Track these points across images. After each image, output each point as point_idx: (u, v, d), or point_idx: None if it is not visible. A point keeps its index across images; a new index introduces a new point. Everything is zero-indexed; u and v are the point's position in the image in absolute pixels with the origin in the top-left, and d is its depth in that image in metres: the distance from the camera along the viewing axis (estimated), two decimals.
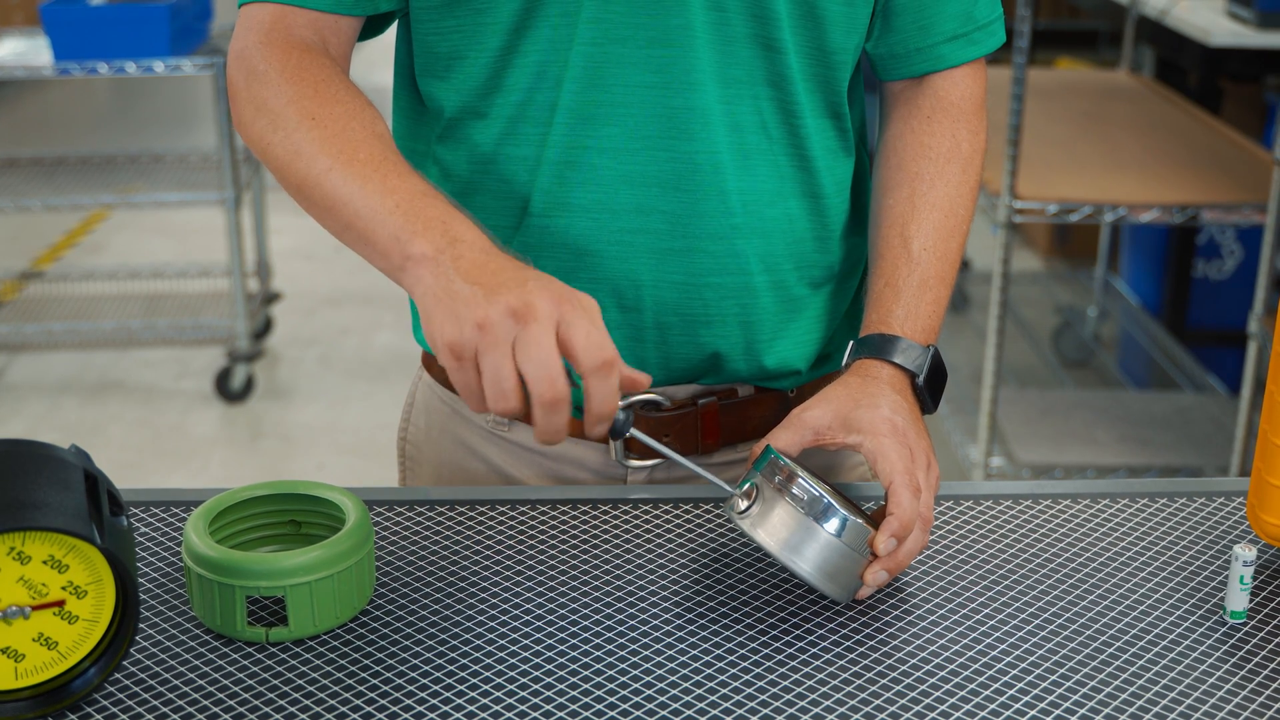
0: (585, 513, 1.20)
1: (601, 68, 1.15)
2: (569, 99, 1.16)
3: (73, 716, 0.94)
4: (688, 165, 1.17)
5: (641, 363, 1.23)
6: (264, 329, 4.36)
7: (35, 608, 0.93)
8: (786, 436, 1.11)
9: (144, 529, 1.17)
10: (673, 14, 1.14)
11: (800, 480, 1.05)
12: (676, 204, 1.18)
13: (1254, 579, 1.12)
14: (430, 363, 1.35)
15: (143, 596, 1.07)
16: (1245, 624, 1.06)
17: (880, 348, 1.17)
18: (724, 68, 1.16)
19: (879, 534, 1.05)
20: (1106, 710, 0.96)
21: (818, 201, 1.23)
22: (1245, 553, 1.04)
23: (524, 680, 0.98)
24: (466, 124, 1.21)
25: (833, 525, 1.04)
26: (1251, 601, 1.09)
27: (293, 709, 0.94)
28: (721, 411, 1.27)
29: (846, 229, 1.28)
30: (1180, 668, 1.01)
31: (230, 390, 3.98)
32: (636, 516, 1.20)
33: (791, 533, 1.04)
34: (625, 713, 0.95)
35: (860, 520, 1.05)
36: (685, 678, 0.98)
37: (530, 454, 1.29)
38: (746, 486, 1.06)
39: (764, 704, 0.96)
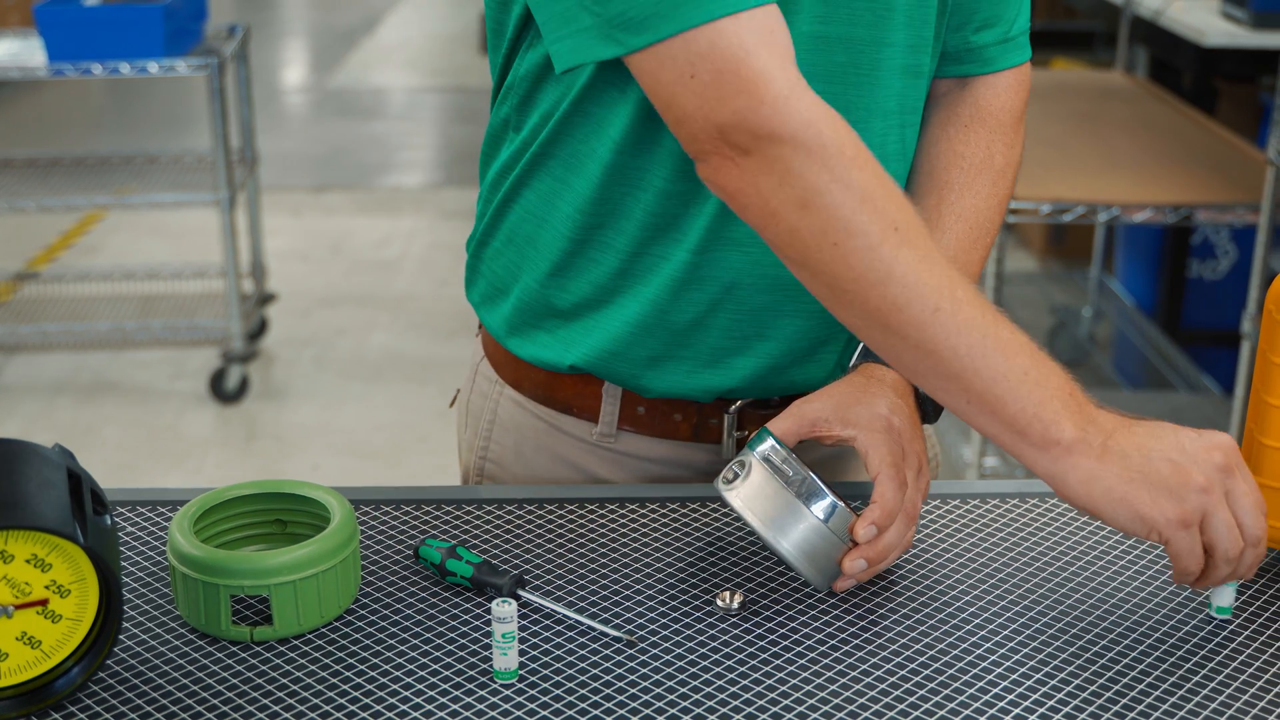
0: (572, 511, 1.20)
1: None
2: None
3: (56, 716, 0.94)
4: None
5: (768, 387, 1.23)
6: (259, 330, 4.35)
7: (18, 607, 0.93)
8: (784, 424, 1.11)
9: (130, 528, 1.16)
10: (863, 53, 1.12)
11: (790, 460, 1.05)
12: None
13: None
14: (518, 379, 1.27)
15: (128, 595, 1.07)
16: (1233, 621, 1.06)
17: None
18: (884, 100, 1.16)
19: (860, 521, 1.05)
20: (1094, 706, 0.95)
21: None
22: None
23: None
24: (642, 156, 1.14)
25: (817, 507, 1.05)
26: (1238, 599, 1.09)
27: (276, 708, 0.94)
28: None
29: None
30: (1168, 663, 1.00)
31: (225, 391, 3.98)
32: (629, 513, 1.20)
33: (775, 510, 1.05)
34: (609, 711, 0.94)
35: (845, 505, 1.06)
36: (669, 675, 0.98)
37: (636, 461, 1.27)
38: (736, 465, 1.07)
39: (757, 696, 0.96)
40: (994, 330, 1.00)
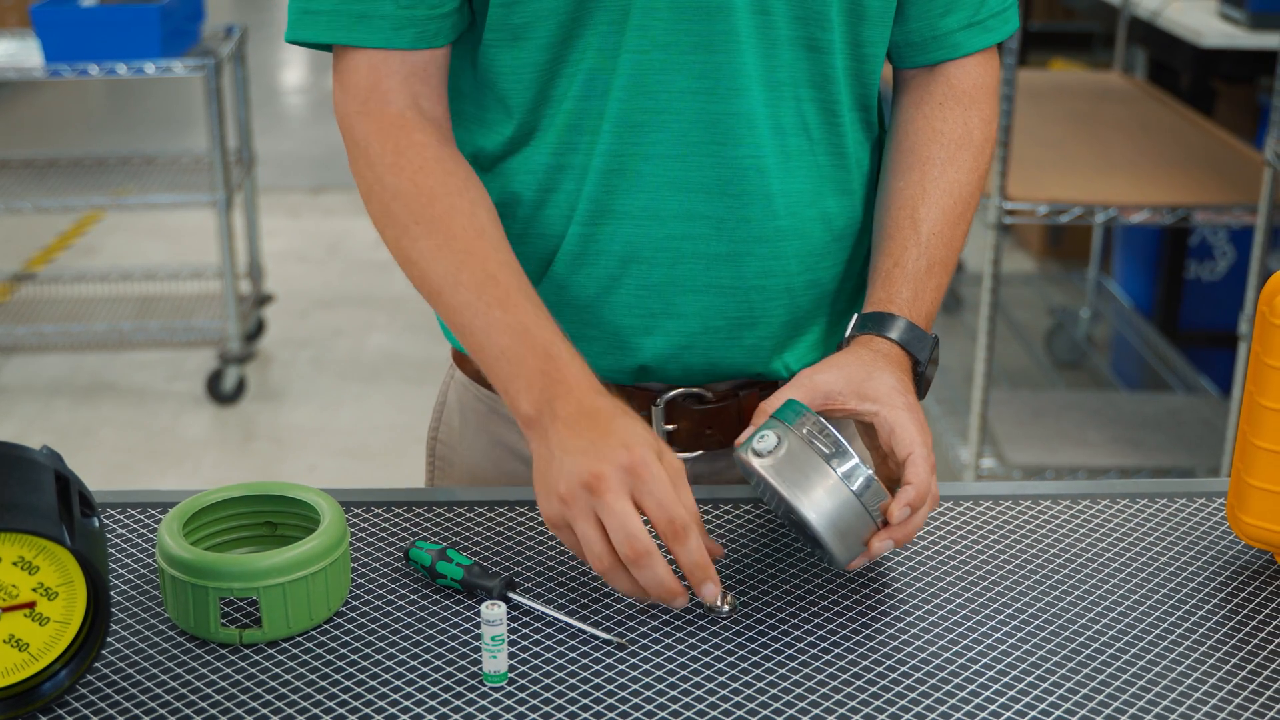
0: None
1: (648, 74, 1.14)
2: (616, 107, 1.15)
3: (44, 718, 0.93)
4: (734, 170, 1.17)
5: (687, 367, 1.23)
6: (256, 331, 4.35)
7: (5, 609, 0.92)
8: (794, 395, 1.10)
9: (121, 530, 1.16)
10: (717, 19, 1.13)
11: (830, 431, 1.04)
12: (722, 209, 1.18)
13: (1236, 579, 1.11)
14: (463, 361, 1.33)
15: (117, 598, 1.06)
16: (1224, 625, 1.05)
17: (887, 326, 1.17)
18: (768, 71, 1.16)
19: (895, 501, 1.04)
20: (1088, 708, 0.95)
21: (852, 198, 1.24)
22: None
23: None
24: (524, 139, 1.20)
25: (856, 482, 1.03)
26: (1232, 602, 1.08)
27: (265, 711, 0.94)
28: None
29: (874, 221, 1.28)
30: (1161, 666, 1.00)
31: (222, 392, 3.97)
32: None
33: (812, 482, 1.03)
34: (599, 715, 0.94)
35: (880, 484, 1.04)
36: (660, 679, 0.98)
37: None
38: (767, 433, 1.04)
39: (749, 699, 0.95)
40: (485, 312, 1.11)
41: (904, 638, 1.03)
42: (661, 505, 1.00)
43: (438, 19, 1.16)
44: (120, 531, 1.16)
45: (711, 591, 1.02)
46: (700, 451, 1.27)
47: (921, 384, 1.17)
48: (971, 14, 1.24)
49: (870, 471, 1.03)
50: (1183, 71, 3.89)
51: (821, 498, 1.03)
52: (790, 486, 1.03)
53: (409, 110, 1.17)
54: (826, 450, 1.03)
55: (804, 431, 1.04)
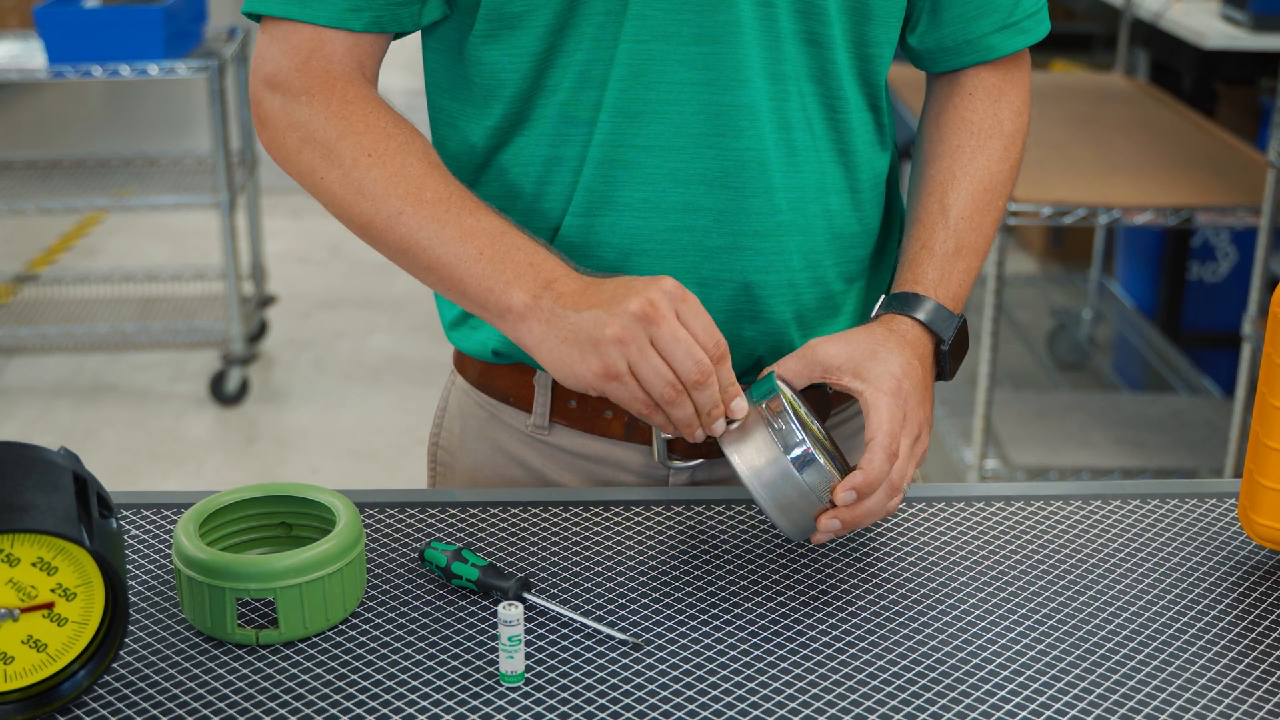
0: (578, 515, 1.20)
1: (647, 65, 1.14)
2: (614, 97, 1.15)
3: (62, 719, 0.94)
4: (735, 163, 1.17)
5: None
6: (259, 332, 4.35)
7: (24, 610, 0.92)
8: (795, 367, 1.12)
9: (135, 531, 1.16)
10: (720, 10, 1.13)
11: (785, 413, 1.07)
12: (724, 202, 1.18)
13: (1248, 580, 1.12)
14: (464, 366, 1.33)
15: (133, 599, 1.07)
16: (1236, 626, 1.06)
17: (911, 305, 1.18)
18: (772, 64, 1.16)
19: (841, 485, 1.07)
20: (1100, 709, 0.95)
21: (856, 196, 1.24)
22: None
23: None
24: (512, 129, 1.20)
25: (798, 460, 1.06)
26: (1244, 603, 1.09)
27: (282, 711, 0.94)
28: None
29: (882, 224, 1.29)
30: (1172, 668, 1.00)
31: (225, 393, 3.97)
32: (635, 516, 1.20)
33: (759, 457, 1.06)
34: (615, 715, 0.94)
35: (828, 465, 1.06)
36: (675, 679, 0.98)
37: (570, 457, 1.28)
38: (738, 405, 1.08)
39: (764, 699, 0.95)
40: (455, 220, 1.10)
41: (918, 638, 1.04)
42: (706, 329, 1.03)
43: (395, 7, 1.16)
44: (135, 533, 1.16)
45: (741, 406, 1.06)
46: (699, 460, 1.25)
47: (944, 364, 1.18)
48: (1005, 17, 1.25)
49: (815, 452, 1.06)
50: (1185, 73, 3.90)
51: (764, 470, 1.07)
52: (738, 458, 1.07)
53: (354, 73, 1.18)
54: (777, 425, 1.06)
55: (763, 406, 1.07)
